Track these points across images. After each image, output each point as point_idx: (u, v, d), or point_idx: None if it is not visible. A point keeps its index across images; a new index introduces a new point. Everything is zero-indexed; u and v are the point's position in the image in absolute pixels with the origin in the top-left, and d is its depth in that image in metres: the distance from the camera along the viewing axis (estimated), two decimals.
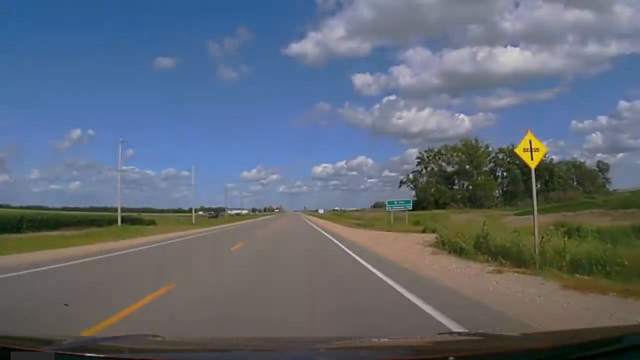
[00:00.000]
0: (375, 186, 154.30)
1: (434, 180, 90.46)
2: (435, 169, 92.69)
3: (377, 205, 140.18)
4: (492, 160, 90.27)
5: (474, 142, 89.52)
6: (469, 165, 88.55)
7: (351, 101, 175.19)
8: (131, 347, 2.05)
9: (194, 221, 57.11)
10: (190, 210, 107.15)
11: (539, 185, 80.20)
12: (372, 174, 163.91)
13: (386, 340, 2.56)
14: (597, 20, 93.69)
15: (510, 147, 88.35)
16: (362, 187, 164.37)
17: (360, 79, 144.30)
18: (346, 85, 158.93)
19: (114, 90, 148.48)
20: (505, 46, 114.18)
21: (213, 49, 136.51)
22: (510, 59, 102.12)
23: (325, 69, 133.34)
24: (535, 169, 9.24)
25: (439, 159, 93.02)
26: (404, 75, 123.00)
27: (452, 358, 1.49)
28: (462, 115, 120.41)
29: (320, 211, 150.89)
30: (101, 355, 1.66)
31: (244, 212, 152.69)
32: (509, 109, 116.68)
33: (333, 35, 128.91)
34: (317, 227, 36.00)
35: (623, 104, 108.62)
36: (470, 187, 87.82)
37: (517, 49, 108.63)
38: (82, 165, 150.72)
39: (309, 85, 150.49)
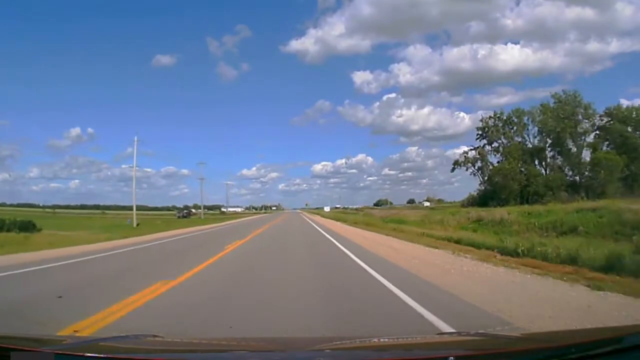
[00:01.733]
0: (375, 184, 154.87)
1: (518, 156, 54.89)
2: (505, 142, 58.66)
3: (380, 204, 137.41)
4: (597, 127, 55.64)
5: (572, 98, 54.69)
6: (569, 134, 53.74)
7: (351, 99, 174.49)
8: (131, 347, 2.04)
9: (135, 224, 40.38)
10: (184, 208, 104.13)
11: None
12: (371, 172, 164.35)
13: (386, 340, 2.56)
14: (598, 18, 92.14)
15: (619, 107, 55.29)
16: (361, 184, 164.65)
17: (360, 77, 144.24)
18: (346, 83, 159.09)
19: (113, 89, 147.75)
20: (506, 44, 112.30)
21: (213, 47, 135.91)
22: (511, 56, 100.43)
23: (325, 67, 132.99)
24: None
25: (512, 128, 58.75)
26: (404, 73, 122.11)
27: (452, 358, 1.50)
28: (462, 114, 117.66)
29: (326, 209, 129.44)
30: (101, 355, 1.65)
31: (239, 209, 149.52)
32: (509, 107, 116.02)
33: (333, 33, 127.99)
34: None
35: (623, 102, 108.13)
36: (570, 167, 54.57)
37: (518, 46, 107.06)
38: (82, 163, 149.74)
39: (308, 83, 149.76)
